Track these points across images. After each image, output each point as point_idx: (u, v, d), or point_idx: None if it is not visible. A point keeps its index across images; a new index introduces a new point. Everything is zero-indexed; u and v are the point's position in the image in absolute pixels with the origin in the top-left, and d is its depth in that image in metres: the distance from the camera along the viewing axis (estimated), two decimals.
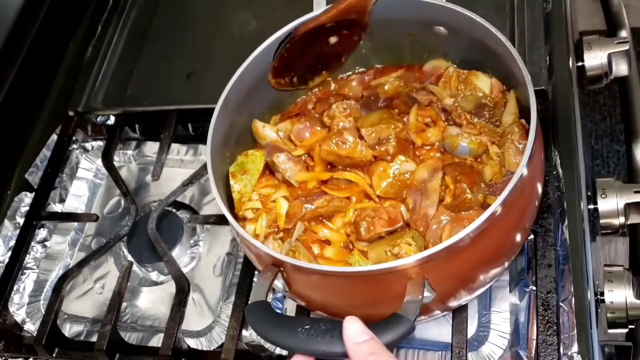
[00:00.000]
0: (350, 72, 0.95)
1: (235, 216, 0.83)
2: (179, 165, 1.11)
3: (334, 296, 0.75)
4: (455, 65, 0.89)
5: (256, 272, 0.93)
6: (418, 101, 0.87)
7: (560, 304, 0.82)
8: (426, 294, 0.67)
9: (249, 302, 0.72)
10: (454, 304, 0.79)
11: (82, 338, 0.99)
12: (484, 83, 0.86)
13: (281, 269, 0.73)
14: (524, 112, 0.81)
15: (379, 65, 0.94)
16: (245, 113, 0.89)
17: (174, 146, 1.09)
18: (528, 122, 0.75)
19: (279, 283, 0.73)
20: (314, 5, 0.97)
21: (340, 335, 0.64)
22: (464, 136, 0.82)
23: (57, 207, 1.10)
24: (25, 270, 1.04)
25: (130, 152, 1.13)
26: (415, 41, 0.90)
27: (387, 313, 0.67)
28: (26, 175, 1.11)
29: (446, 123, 0.85)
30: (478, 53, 0.84)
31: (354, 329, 0.64)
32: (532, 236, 0.86)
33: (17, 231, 1.06)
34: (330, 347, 0.65)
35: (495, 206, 0.67)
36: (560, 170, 0.90)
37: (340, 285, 0.72)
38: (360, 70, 0.95)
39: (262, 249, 0.73)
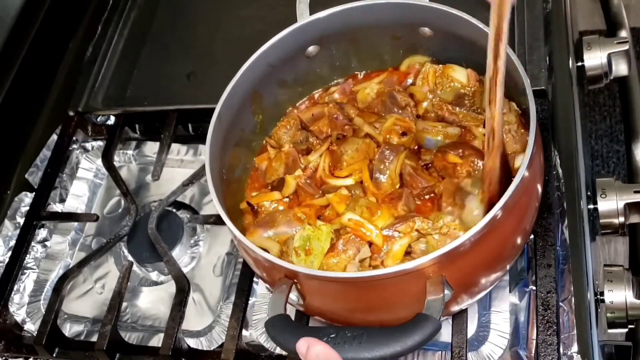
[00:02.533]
0: (333, 83, 0.95)
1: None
2: (179, 165, 1.10)
3: (351, 303, 0.73)
4: (430, 61, 0.89)
5: (258, 284, 0.93)
6: (397, 100, 0.87)
7: (560, 304, 0.82)
8: (446, 291, 0.67)
9: (268, 317, 0.70)
10: (455, 308, 0.78)
11: (82, 338, 0.99)
12: (461, 74, 0.87)
13: (294, 280, 0.71)
14: (523, 113, 0.81)
15: (363, 72, 0.95)
16: (237, 126, 0.88)
17: (174, 146, 1.09)
18: (527, 122, 0.75)
19: (293, 296, 0.72)
20: (297, 16, 0.95)
21: (368, 341, 0.64)
22: (428, 129, 0.84)
23: (57, 207, 1.10)
24: (25, 270, 1.04)
25: (130, 152, 1.13)
26: (399, 44, 0.90)
27: (404, 316, 0.66)
28: (26, 175, 1.11)
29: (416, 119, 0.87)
30: (465, 51, 0.84)
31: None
32: (532, 236, 0.86)
33: (17, 231, 1.06)
34: (359, 354, 0.64)
35: (497, 210, 0.66)
36: (560, 170, 0.90)
37: (357, 291, 0.71)
38: (339, 80, 0.95)
39: (275, 262, 0.70)
